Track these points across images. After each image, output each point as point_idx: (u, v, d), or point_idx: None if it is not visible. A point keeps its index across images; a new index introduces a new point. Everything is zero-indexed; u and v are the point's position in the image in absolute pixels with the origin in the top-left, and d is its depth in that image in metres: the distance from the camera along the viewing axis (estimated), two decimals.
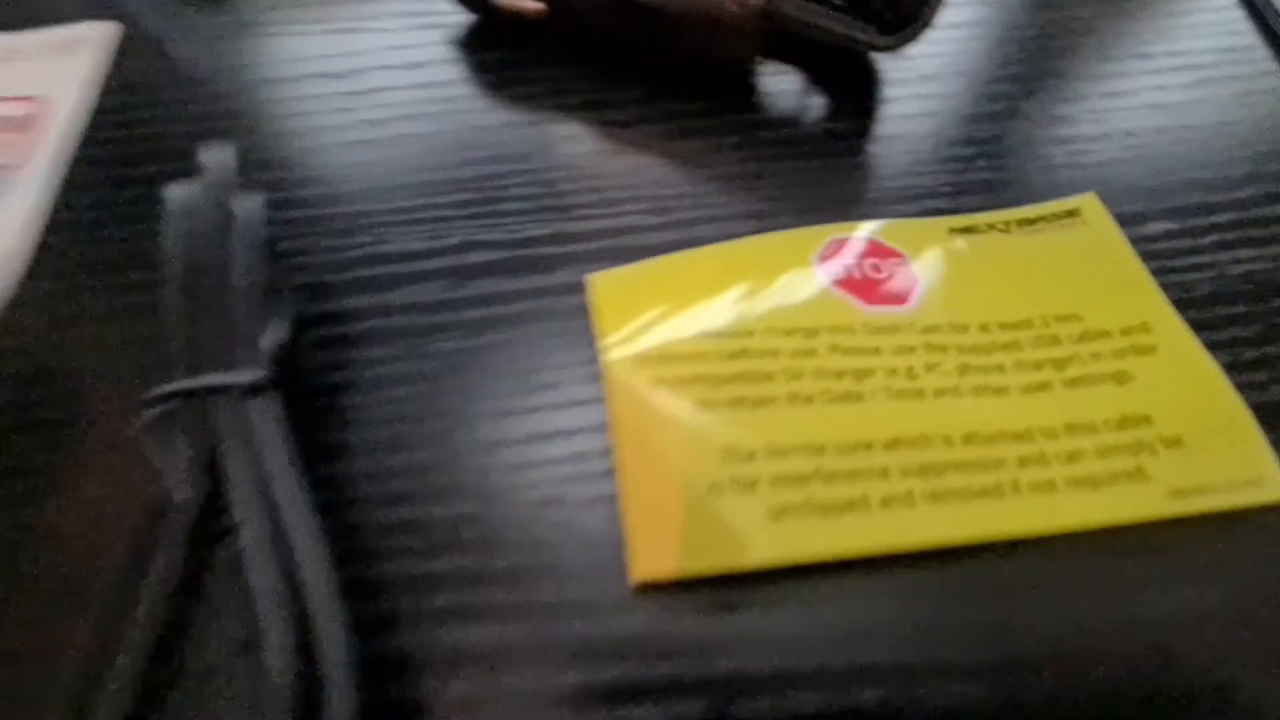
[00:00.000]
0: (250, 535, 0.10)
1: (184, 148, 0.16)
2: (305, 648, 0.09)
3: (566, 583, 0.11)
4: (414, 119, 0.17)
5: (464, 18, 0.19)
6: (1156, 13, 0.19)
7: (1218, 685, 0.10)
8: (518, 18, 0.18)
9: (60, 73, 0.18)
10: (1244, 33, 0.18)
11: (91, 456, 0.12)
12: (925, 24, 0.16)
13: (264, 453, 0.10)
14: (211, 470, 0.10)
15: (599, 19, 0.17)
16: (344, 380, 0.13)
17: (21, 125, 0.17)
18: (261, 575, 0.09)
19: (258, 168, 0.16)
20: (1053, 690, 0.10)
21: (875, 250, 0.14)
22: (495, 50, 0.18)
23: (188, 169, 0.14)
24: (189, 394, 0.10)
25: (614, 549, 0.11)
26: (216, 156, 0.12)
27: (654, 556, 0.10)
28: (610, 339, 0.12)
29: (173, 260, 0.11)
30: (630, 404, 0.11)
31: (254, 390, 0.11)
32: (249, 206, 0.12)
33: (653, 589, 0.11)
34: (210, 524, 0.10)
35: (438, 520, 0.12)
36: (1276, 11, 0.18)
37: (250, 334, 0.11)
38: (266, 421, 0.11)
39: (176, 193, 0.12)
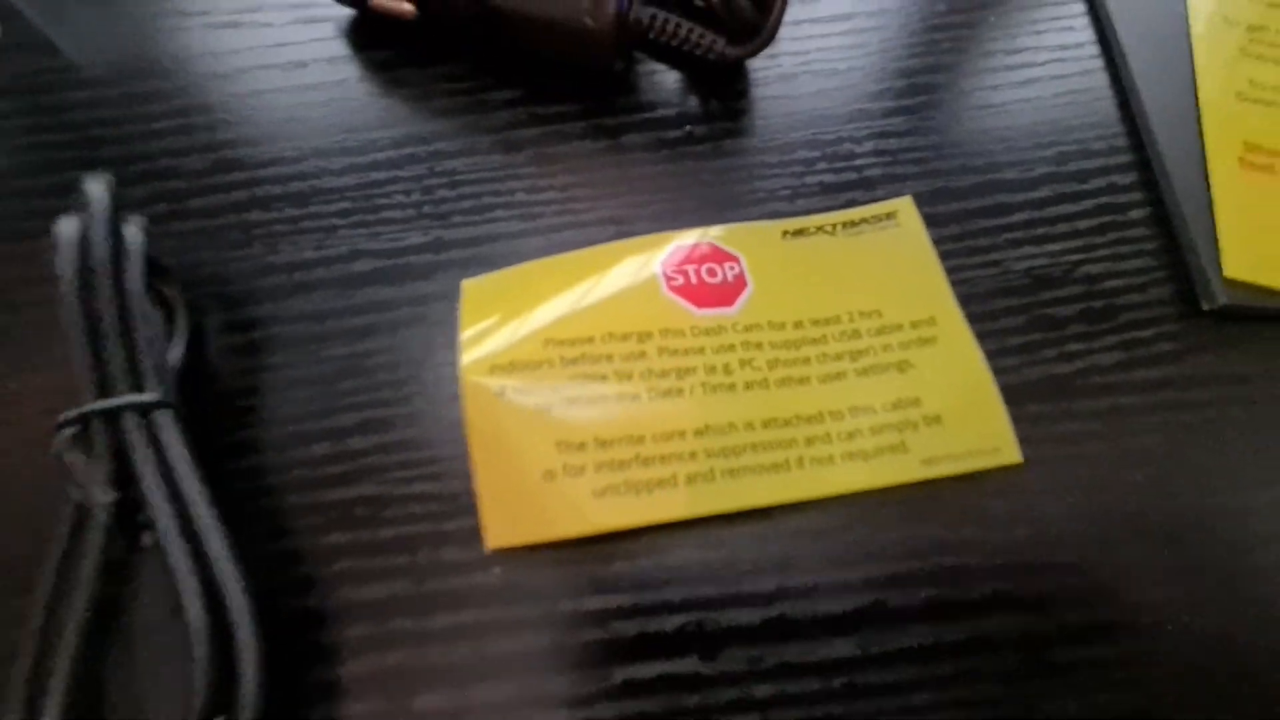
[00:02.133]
0: (164, 526, 0.12)
1: (65, 159, 0.17)
2: (217, 607, 0.11)
3: (441, 548, 0.14)
4: (297, 123, 0.18)
5: (344, 13, 0.19)
6: (1001, 9, 0.20)
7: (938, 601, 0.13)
8: (393, 17, 0.18)
9: None
10: (1080, 29, 0.20)
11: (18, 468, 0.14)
12: (770, 35, 0.17)
13: (169, 459, 0.12)
14: (128, 475, 0.12)
15: (467, 20, 0.18)
16: (247, 385, 0.15)
17: None
18: (177, 557, 0.12)
19: (141, 179, 0.17)
20: (817, 612, 0.13)
21: (714, 255, 0.16)
22: (375, 50, 0.19)
23: (70, 185, 0.15)
24: (101, 413, 0.12)
25: (477, 525, 0.13)
26: (97, 187, 0.13)
27: (502, 528, 0.13)
28: (467, 342, 0.14)
29: (70, 292, 0.12)
30: (480, 401, 0.14)
31: (158, 405, 0.12)
32: (134, 232, 0.14)
33: (506, 552, 0.13)
34: (133, 518, 0.12)
35: (334, 501, 0.14)
36: (1107, 4, 0.20)
37: (152, 356, 0.13)
38: (171, 432, 0.13)
39: (66, 227, 0.13)
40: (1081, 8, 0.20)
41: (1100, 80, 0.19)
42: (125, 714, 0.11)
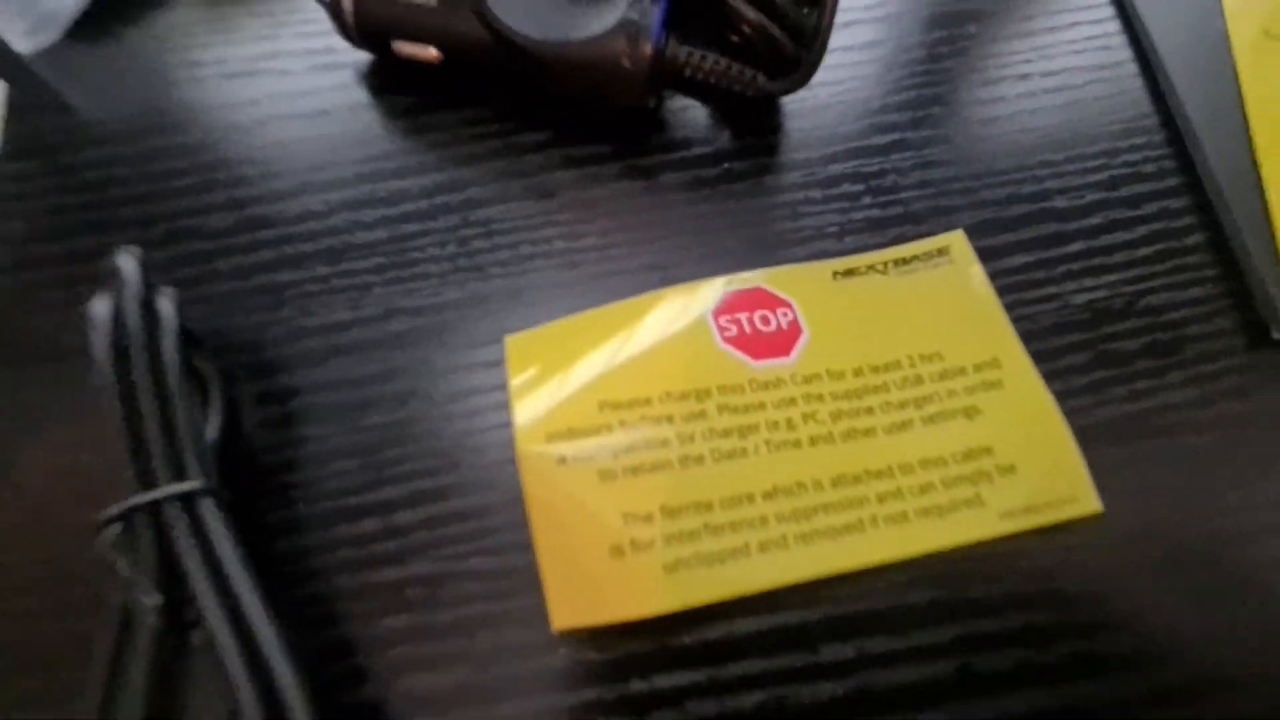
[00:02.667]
0: (215, 625, 0.11)
1: (83, 221, 0.17)
2: (274, 708, 0.11)
3: (503, 629, 0.13)
4: (324, 175, 0.17)
5: (363, 58, 0.19)
6: (1037, 29, 0.20)
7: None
8: (417, 62, 0.18)
9: None
10: (1117, 48, 0.19)
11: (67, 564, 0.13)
12: (811, 69, 0.16)
13: (216, 549, 0.12)
14: (173, 570, 0.12)
15: (495, 64, 0.17)
16: (285, 459, 0.14)
17: None
18: (230, 658, 0.11)
19: (164, 241, 0.16)
20: (901, 681, 0.12)
21: (765, 300, 0.15)
22: (398, 95, 0.18)
23: (91, 249, 0.15)
24: (145, 506, 0.11)
25: (540, 602, 0.13)
26: (127, 262, 0.13)
27: (568, 609, 0.12)
28: (518, 406, 0.14)
29: (108, 376, 0.12)
30: (538, 471, 0.13)
31: (201, 493, 0.12)
32: (167, 307, 0.13)
33: (572, 632, 0.12)
34: (182, 613, 0.12)
35: (386, 583, 0.13)
36: (1144, 23, 0.19)
37: (192, 437, 0.12)
38: (215, 521, 0.12)
39: (99, 308, 0.12)
40: (1117, 26, 0.20)
41: (1142, 100, 0.19)
42: None
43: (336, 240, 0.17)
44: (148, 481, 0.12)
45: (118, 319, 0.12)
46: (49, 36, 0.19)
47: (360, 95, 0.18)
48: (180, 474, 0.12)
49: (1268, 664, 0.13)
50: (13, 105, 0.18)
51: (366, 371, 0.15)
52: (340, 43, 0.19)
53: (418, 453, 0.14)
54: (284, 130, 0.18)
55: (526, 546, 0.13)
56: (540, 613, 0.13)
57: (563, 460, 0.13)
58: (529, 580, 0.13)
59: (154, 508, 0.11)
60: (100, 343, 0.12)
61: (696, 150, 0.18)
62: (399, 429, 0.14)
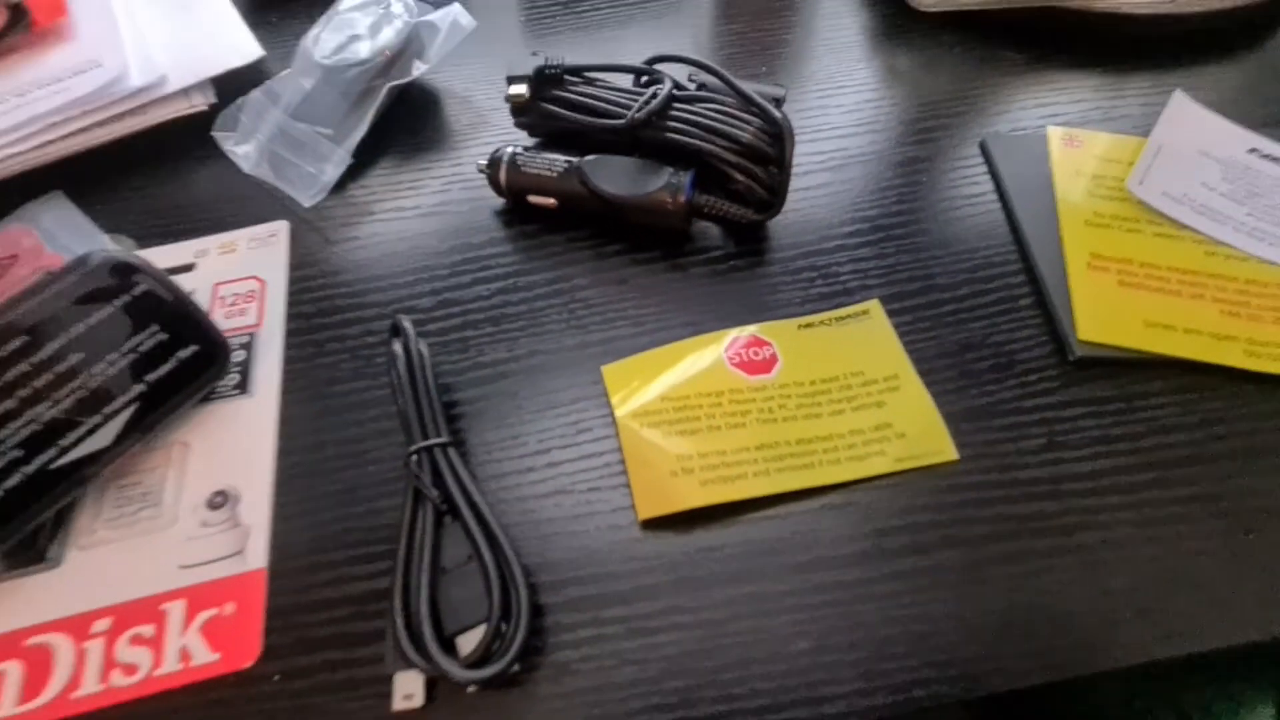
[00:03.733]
0: (464, 510, 0.21)
1: (347, 305, 0.28)
2: (498, 557, 0.20)
3: (607, 518, 0.22)
4: (484, 272, 0.29)
5: (503, 203, 0.31)
6: (932, 169, 0.31)
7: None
8: (540, 207, 0.29)
9: (265, 258, 0.30)
10: (982, 183, 0.30)
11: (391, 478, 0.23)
12: (778, 208, 0.28)
13: (461, 476, 0.22)
14: (439, 479, 0.22)
15: (590, 207, 0.29)
16: (480, 430, 0.24)
17: (251, 297, 0.28)
18: (472, 528, 0.21)
19: (389, 316, 0.28)
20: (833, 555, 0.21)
21: (756, 342, 0.25)
22: (527, 225, 0.30)
23: (360, 319, 0.26)
24: (424, 449, 0.21)
25: (629, 504, 0.22)
26: (405, 322, 0.24)
27: (647, 507, 0.22)
28: (618, 402, 0.24)
29: (402, 382, 0.22)
30: (630, 437, 0.23)
31: (450, 444, 0.22)
32: (424, 347, 0.24)
33: (650, 524, 0.22)
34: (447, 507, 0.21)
35: (539, 494, 0.23)
36: (998, 165, 0.30)
37: (441, 416, 0.23)
38: (458, 459, 0.22)
39: (396, 347, 0.23)
40: (983, 169, 0.31)
41: (997, 217, 0.29)
42: (450, 617, 0.20)
43: (495, 312, 0.28)
44: (425, 435, 0.22)
45: (406, 352, 0.23)
46: (319, 197, 0.31)
47: (505, 226, 0.30)
48: (438, 433, 0.22)
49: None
50: (294, 236, 0.31)
51: (520, 387, 0.26)
52: (489, 193, 0.31)
53: (555, 427, 0.24)
54: (458, 249, 0.30)
55: (621, 474, 0.23)
56: (629, 509, 0.22)
57: (643, 428, 0.23)
58: (622, 494, 0.22)
59: (429, 449, 0.22)
60: (400, 364, 0.23)
61: (713, 254, 0.29)
62: (542, 419, 0.25)
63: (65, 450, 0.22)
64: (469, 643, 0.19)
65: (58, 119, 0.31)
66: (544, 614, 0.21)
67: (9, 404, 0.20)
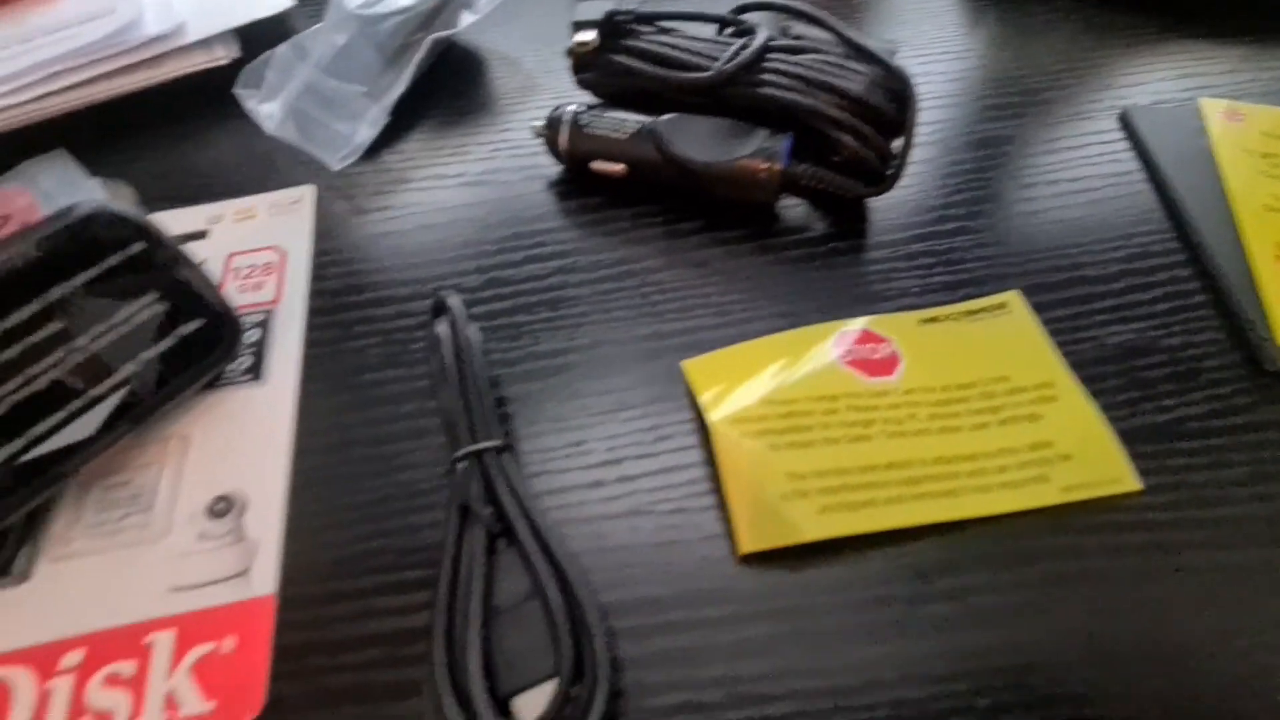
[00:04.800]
0: (523, 537, 0.17)
1: (379, 282, 0.24)
2: (567, 591, 0.16)
3: (694, 548, 0.18)
4: (538, 249, 0.24)
5: (559, 170, 0.27)
6: (1061, 145, 0.26)
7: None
8: (603, 175, 0.25)
9: (286, 227, 0.26)
10: (1125, 160, 0.26)
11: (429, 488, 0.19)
12: (895, 178, 0.23)
13: (518, 489, 0.17)
14: (489, 487, 0.17)
15: (665, 176, 0.25)
16: (537, 432, 0.20)
17: (269, 269, 0.25)
18: (534, 554, 0.16)
19: (431, 295, 0.23)
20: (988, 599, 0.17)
21: (871, 338, 0.21)
22: (588, 197, 0.26)
23: (393, 297, 0.22)
24: (474, 454, 0.17)
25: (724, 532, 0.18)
26: (452, 298, 0.20)
27: (752, 538, 0.17)
28: (708, 404, 0.19)
29: (447, 372, 0.18)
30: (728, 444, 0.18)
31: (503, 449, 0.18)
32: (474, 330, 0.20)
33: (752, 557, 0.17)
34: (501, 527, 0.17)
35: (613, 514, 0.19)
36: (1145, 139, 0.25)
37: (493, 414, 0.18)
38: (514, 467, 0.18)
39: (441, 329, 0.19)
40: (1125, 145, 0.26)
41: (1149, 198, 0.24)
42: (505, 672, 0.15)
43: (554, 294, 0.23)
44: (474, 437, 0.18)
45: (453, 335, 0.19)
46: (350, 160, 0.27)
47: (562, 198, 0.26)
48: (490, 435, 0.18)
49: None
50: (320, 204, 0.27)
51: (583, 383, 0.21)
52: (544, 160, 0.27)
53: (628, 433, 0.20)
54: (507, 223, 0.25)
55: (711, 493, 0.18)
56: (723, 537, 0.18)
57: (743, 438, 0.18)
58: (713, 517, 0.18)
59: (479, 454, 0.17)
60: (445, 349, 0.18)
61: (807, 234, 0.24)
62: (611, 423, 0.20)
63: (37, 441, 0.18)
64: (529, 707, 0.15)
65: (61, 67, 0.28)
66: (623, 669, 0.16)
67: None
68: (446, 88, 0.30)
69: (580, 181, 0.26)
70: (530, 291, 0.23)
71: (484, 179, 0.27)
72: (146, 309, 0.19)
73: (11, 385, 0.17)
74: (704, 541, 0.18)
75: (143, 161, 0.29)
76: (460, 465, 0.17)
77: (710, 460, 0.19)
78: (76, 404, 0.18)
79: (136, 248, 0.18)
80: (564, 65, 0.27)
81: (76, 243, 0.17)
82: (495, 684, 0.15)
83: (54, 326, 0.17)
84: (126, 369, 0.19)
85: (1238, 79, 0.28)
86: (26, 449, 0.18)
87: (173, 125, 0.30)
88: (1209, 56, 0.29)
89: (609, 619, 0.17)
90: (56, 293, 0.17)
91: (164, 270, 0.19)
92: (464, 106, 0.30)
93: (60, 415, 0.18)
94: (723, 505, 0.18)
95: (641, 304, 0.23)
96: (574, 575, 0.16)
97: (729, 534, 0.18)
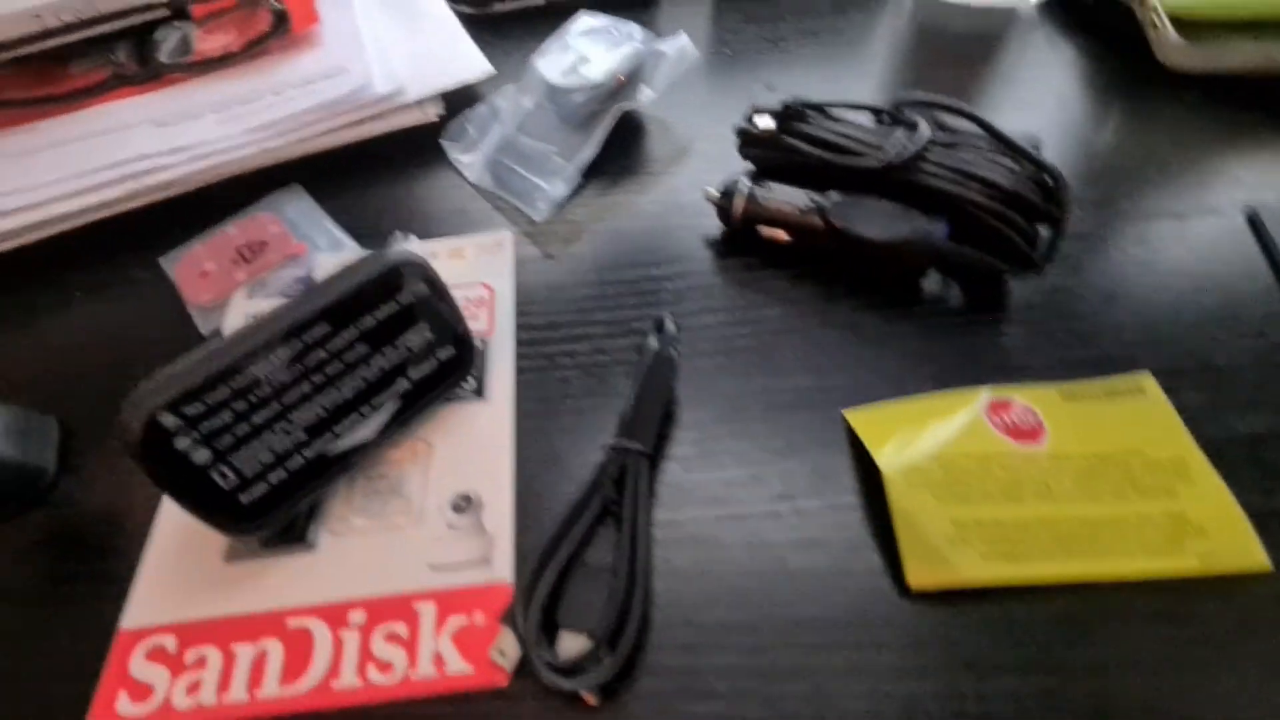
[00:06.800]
0: (625, 526, 0.20)
1: (574, 320, 0.28)
2: (631, 580, 0.20)
3: (857, 580, 0.21)
4: (715, 300, 0.28)
5: (711, 229, 0.30)
6: (1191, 238, 0.29)
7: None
8: (768, 239, 0.29)
9: (491, 266, 0.30)
10: (1254, 258, 0.28)
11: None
12: (1046, 261, 0.26)
13: (639, 491, 0.21)
14: (620, 485, 0.21)
15: (824, 245, 0.28)
16: (700, 458, 0.24)
17: (481, 303, 0.29)
18: (624, 545, 0.20)
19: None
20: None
21: (1016, 406, 0.24)
22: (746, 257, 0.29)
23: (588, 335, 0.26)
24: (621, 449, 0.21)
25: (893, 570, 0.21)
26: (671, 323, 0.24)
27: (920, 575, 0.20)
28: (880, 454, 0.22)
29: (639, 375, 0.22)
30: (899, 494, 0.22)
31: (648, 456, 0.22)
32: (676, 355, 0.24)
33: (920, 595, 0.20)
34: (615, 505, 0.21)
35: (772, 542, 0.22)
36: (1275, 246, 0.28)
37: (653, 425, 0.22)
38: (645, 475, 0.21)
39: (652, 341, 0.23)
40: (1252, 242, 0.28)
41: (1277, 296, 0.27)
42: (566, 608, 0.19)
43: (726, 344, 0.27)
44: (631, 435, 0.22)
45: (659, 350, 0.23)
46: (550, 212, 0.32)
47: (721, 256, 0.30)
48: (641, 440, 0.22)
49: None
50: (517, 249, 0.31)
51: (756, 425, 0.25)
52: (709, 221, 0.30)
53: (798, 471, 0.23)
54: (681, 275, 0.29)
55: (874, 534, 0.21)
56: (884, 574, 0.21)
57: (912, 486, 0.22)
58: (871, 553, 0.21)
59: (624, 450, 0.21)
60: (648, 357, 0.23)
61: (947, 304, 0.27)
62: (781, 462, 0.24)
63: (338, 438, 0.22)
64: (570, 644, 0.19)
65: (310, 119, 0.34)
66: (646, 651, 0.20)
67: (305, 388, 0.21)
68: (615, 149, 0.35)
69: (738, 241, 0.30)
70: (708, 339, 0.27)
71: (654, 235, 0.31)
72: (419, 336, 0.23)
73: (330, 393, 0.22)
74: (871, 575, 0.21)
75: (361, 199, 0.34)
76: (611, 451, 0.21)
77: (870, 503, 0.22)
78: (367, 410, 0.23)
79: (423, 289, 0.23)
80: (717, 134, 0.31)
81: (383, 283, 0.22)
82: (555, 611, 0.20)
83: (361, 349, 0.22)
84: (401, 384, 0.23)
85: None
86: (331, 444, 0.22)
87: (385, 169, 0.35)
88: None
89: (658, 620, 0.20)
90: (367, 321, 0.22)
91: (433, 306, 0.23)
92: (631, 166, 0.34)
93: (355, 419, 0.22)
94: (885, 544, 0.21)
95: (805, 358, 0.26)
96: (643, 574, 0.20)
97: (886, 569, 0.21)
